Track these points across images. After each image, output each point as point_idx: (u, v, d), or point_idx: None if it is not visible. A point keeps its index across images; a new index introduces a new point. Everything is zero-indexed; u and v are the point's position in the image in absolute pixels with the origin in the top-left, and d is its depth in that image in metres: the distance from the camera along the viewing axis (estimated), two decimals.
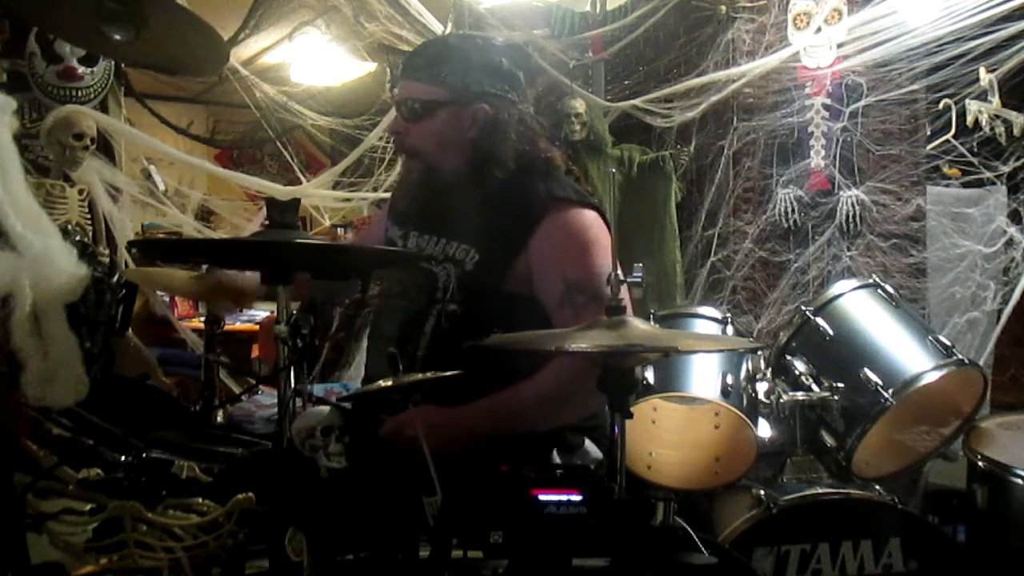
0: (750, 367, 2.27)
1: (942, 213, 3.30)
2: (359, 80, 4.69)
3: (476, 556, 1.23)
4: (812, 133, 3.49)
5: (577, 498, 1.25)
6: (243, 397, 2.18)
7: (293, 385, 1.36)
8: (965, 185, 3.30)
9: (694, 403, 2.23)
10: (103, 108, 3.42)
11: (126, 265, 2.99)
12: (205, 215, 4.51)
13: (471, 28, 3.68)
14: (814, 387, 2.22)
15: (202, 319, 2.64)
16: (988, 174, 3.21)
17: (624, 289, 1.42)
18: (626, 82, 4.08)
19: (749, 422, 2.15)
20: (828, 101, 3.45)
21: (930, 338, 2.22)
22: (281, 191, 3.81)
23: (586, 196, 1.88)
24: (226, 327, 2.46)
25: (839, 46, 3.37)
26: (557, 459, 1.79)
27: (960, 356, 2.17)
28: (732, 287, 3.70)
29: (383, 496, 1.30)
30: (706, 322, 2.42)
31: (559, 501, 1.24)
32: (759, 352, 2.32)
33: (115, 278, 1.50)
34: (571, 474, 1.61)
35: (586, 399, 1.68)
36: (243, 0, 3.63)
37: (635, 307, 1.61)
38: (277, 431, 1.36)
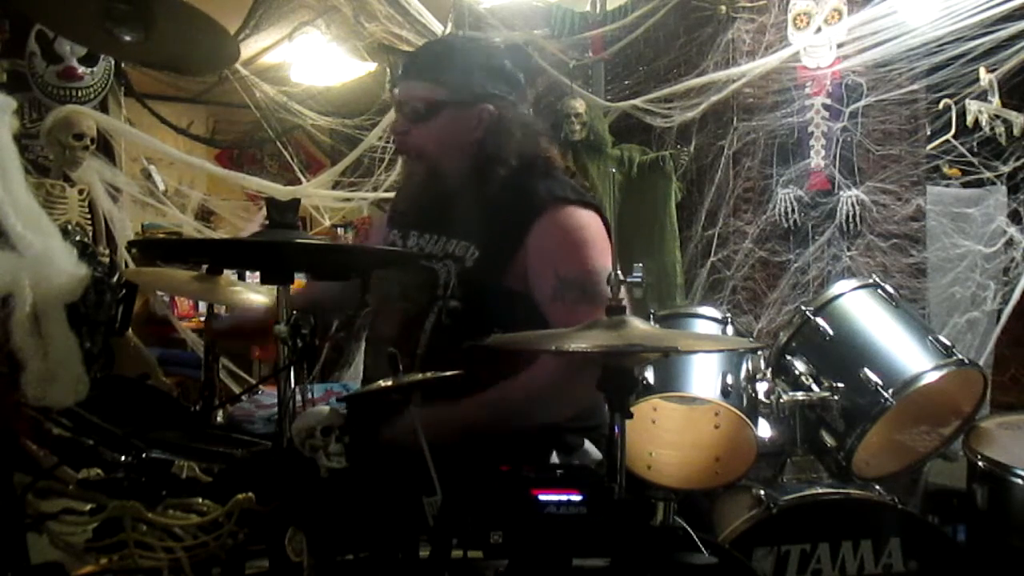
0: (750, 367, 2.27)
1: (942, 213, 3.30)
2: (359, 80, 4.69)
3: (476, 556, 1.23)
4: (812, 133, 3.49)
5: (577, 498, 1.25)
6: (243, 397, 2.18)
7: (293, 385, 1.36)
8: (965, 185, 3.30)
9: (694, 403, 2.23)
10: (103, 108, 3.42)
11: (126, 265, 2.99)
12: (205, 215, 4.51)
13: (471, 28, 3.68)
14: (814, 387, 2.22)
15: (202, 319, 2.64)
16: (988, 174, 3.21)
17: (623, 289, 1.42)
18: (626, 82, 4.08)
19: (749, 422, 2.15)
20: (828, 101, 3.45)
21: (930, 338, 2.22)
22: (281, 191, 3.81)
23: (585, 196, 1.88)
24: None
25: (839, 46, 3.37)
26: (556, 459, 1.79)
27: (960, 356, 2.17)
28: (732, 287, 3.70)
29: (383, 496, 1.30)
30: (706, 322, 2.42)
31: (559, 501, 1.24)
32: (759, 352, 2.32)
33: (115, 278, 1.50)
34: (571, 474, 1.61)
35: (581, 393, 1.67)
36: (243, 0, 3.63)
37: (635, 307, 1.62)
38: (277, 431, 1.36)
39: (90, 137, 3.12)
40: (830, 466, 2.26)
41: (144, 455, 1.34)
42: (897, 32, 3.17)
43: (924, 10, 3.08)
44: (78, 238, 1.39)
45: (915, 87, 3.30)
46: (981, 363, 2.62)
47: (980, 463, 2.22)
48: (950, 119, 3.23)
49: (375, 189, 3.96)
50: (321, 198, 4.06)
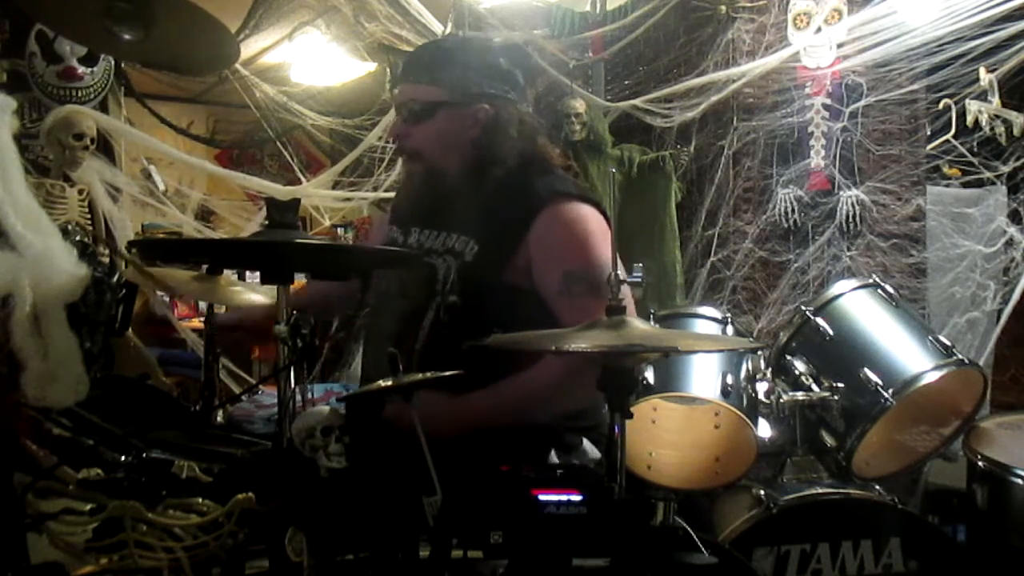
0: (750, 367, 2.27)
1: (942, 213, 3.30)
2: (359, 80, 4.69)
3: (476, 556, 1.23)
4: (812, 133, 3.49)
5: (577, 498, 1.25)
6: (243, 397, 2.18)
7: (293, 385, 1.36)
8: (965, 185, 3.30)
9: (694, 403, 2.23)
10: (103, 108, 3.42)
11: (126, 265, 2.99)
12: (205, 215, 4.51)
13: (471, 28, 3.68)
14: (814, 387, 2.22)
15: (202, 319, 2.64)
16: (988, 174, 3.21)
17: (627, 289, 1.42)
18: (626, 82, 4.08)
19: (749, 422, 2.15)
20: (828, 101, 3.45)
21: (930, 338, 2.22)
22: (281, 191, 3.81)
23: (585, 191, 1.90)
24: None
25: (839, 46, 3.37)
26: (555, 459, 1.80)
27: (960, 356, 2.17)
28: (732, 287, 3.70)
29: (383, 496, 1.30)
30: (706, 322, 2.42)
31: (559, 501, 1.24)
32: (759, 352, 2.32)
33: (115, 278, 1.49)
34: (571, 474, 1.61)
35: (588, 387, 1.67)
36: (243, 0, 3.63)
37: (635, 307, 1.62)
38: (277, 431, 1.36)
39: (90, 137, 3.12)
40: (830, 466, 2.26)
41: (144, 455, 1.34)
42: (897, 32, 3.16)
43: (924, 10, 3.08)
44: (78, 238, 1.39)
45: (915, 87, 3.30)
46: (981, 363, 2.62)
47: (980, 463, 2.22)
48: (950, 119, 3.23)
49: (375, 189, 3.96)
50: (321, 198, 4.06)
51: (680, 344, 1.38)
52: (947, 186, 3.33)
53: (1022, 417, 2.47)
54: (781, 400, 2.19)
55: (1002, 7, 2.90)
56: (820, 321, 2.29)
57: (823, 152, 3.46)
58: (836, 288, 2.38)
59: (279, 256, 1.43)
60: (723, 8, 3.72)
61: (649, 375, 2.17)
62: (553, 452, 1.81)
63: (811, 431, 2.26)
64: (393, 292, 1.88)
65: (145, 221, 4.53)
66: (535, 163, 1.87)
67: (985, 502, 2.22)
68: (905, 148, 3.37)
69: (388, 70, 3.95)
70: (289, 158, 4.51)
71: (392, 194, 3.39)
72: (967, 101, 3.17)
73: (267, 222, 1.45)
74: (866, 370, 2.14)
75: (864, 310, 2.33)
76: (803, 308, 2.36)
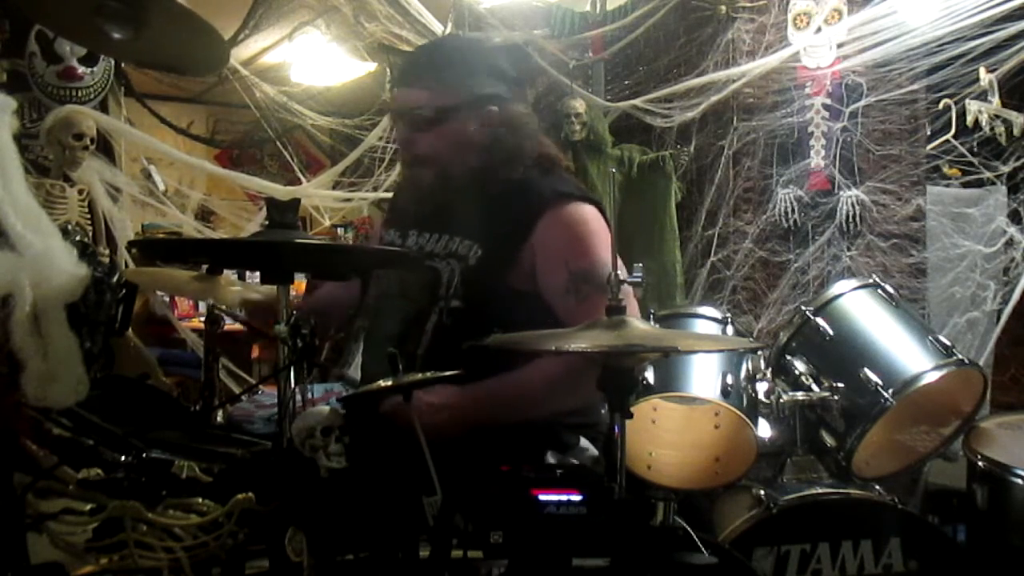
0: (750, 367, 2.27)
1: (942, 213, 3.30)
2: (359, 80, 4.69)
3: (476, 556, 1.23)
4: (812, 133, 3.49)
5: (577, 498, 1.25)
6: (243, 397, 2.18)
7: (293, 385, 1.36)
8: (965, 185, 3.30)
9: (694, 403, 2.23)
10: (103, 108, 3.42)
11: (126, 265, 2.99)
12: (205, 215, 4.51)
13: (471, 28, 3.68)
14: (814, 387, 2.22)
15: (202, 319, 2.64)
16: (988, 174, 3.21)
17: (628, 289, 1.42)
18: (626, 82, 4.08)
19: (749, 422, 2.15)
20: (828, 101, 3.45)
21: (930, 338, 2.22)
22: (281, 191, 3.81)
23: (586, 192, 1.90)
24: (226, 327, 2.45)
25: (839, 46, 3.37)
26: (552, 459, 1.79)
27: (960, 356, 2.17)
28: (732, 287, 3.70)
29: (383, 496, 1.30)
30: (706, 322, 2.42)
31: (559, 501, 1.25)
32: (759, 352, 2.32)
33: (115, 278, 1.49)
34: (571, 474, 1.61)
35: (588, 385, 1.67)
36: (243, 0, 3.63)
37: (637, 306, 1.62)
38: (277, 431, 1.36)
39: (90, 137, 3.12)
40: (830, 466, 2.26)
41: (144, 455, 1.34)
42: (897, 32, 3.16)
43: (924, 10, 3.08)
44: (78, 238, 1.39)
45: (915, 87, 3.29)
46: (981, 363, 2.62)
47: (980, 463, 2.22)
48: (950, 119, 3.23)
49: (375, 189, 3.96)
50: (321, 198, 4.06)
51: (680, 344, 1.38)
52: (947, 186, 3.33)
53: (1022, 417, 2.47)
54: (781, 400, 2.19)
55: (1002, 7, 2.90)
56: (820, 321, 2.29)
57: (823, 152, 3.46)
58: (836, 288, 2.38)
59: (279, 256, 1.43)
60: (723, 8, 3.72)
61: (649, 375, 2.17)
62: (550, 452, 1.80)
63: (811, 431, 2.26)
64: (395, 295, 1.88)
65: (145, 221, 4.53)
66: (538, 164, 1.87)
67: (985, 502, 2.22)
68: (905, 148, 3.37)
69: (388, 70, 3.94)
70: (289, 158, 4.50)
71: (389, 195, 3.39)
72: (967, 101, 3.17)
73: (267, 222, 1.45)
74: (866, 370, 2.14)
75: (864, 310, 2.33)
76: (803, 308, 2.36)
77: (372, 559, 1.26)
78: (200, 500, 1.27)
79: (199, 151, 4.91)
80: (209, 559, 1.27)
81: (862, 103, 3.39)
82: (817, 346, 2.30)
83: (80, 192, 3.16)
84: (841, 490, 2.14)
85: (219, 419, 2.02)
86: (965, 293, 3.20)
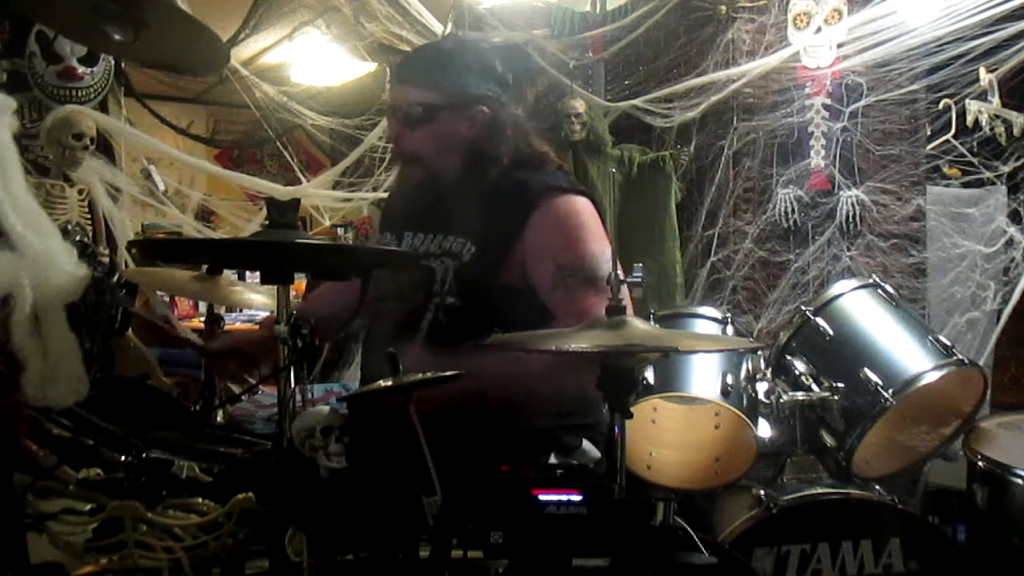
0: (750, 367, 2.27)
1: (942, 213, 3.30)
2: (359, 80, 4.69)
3: (476, 556, 1.23)
4: (812, 133, 3.49)
5: (577, 498, 1.25)
6: (243, 397, 2.18)
7: (293, 385, 1.36)
8: (965, 185, 3.30)
9: (694, 403, 2.23)
10: (103, 108, 3.42)
11: (126, 265, 2.99)
12: (205, 215, 4.51)
13: (471, 28, 3.68)
14: (814, 387, 2.22)
15: (202, 319, 2.64)
16: (988, 174, 3.21)
17: (624, 289, 1.42)
18: (626, 82, 4.08)
19: (749, 422, 2.15)
20: (828, 101, 3.45)
21: (930, 338, 2.22)
22: (281, 191, 3.81)
23: (578, 185, 1.90)
24: (226, 327, 2.46)
25: (839, 46, 3.37)
26: (555, 461, 1.79)
27: (960, 356, 2.17)
28: (732, 287, 3.70)
29: (383, 496, 1.30)
30: (706, 322, 2.42)
31: (559, 501, 1.25)
32: (759, 352, 2.32)
33: (115, 278, 1.49)
34: (571, 474, 1.61)
35: (581, 377, 1.65)
36: (243, 0, 3.63)
37: (635, 307, 1.61)
38: (277, 431, 1.36)
39: (90, 137, 3.12)
40: (830, 466, 2.26)
41: (144, 455, 1.34)
42: (897, 32, 3.16)
43: (924, 10, 3.08)
44: (78, 238, 1.39)
45: (915, 87, 3.30)
46: (981, 363, 2.62)
47: (980, 463, 2.22)
48: (950, 119, 3.23)
49: (375, 189, 3.96)
50: (321, 198, 4.06)
51: (680, 344, 1.38)
52: (947, 186, 3.34)
53: (1022, 417, 2.47)
54: (781, 400, 2.19)
55: (1002, 7, 2.90)
56: (820, 321, 2.29)
57: (823, 152, 3.46)
58: (836, 288, 2.38)
59: (279, 256, 1.42)
60: (723, 8, 3.72)
61: (649, 375, 2.17)
62: (552, 454, 1.80)
63: (811, 431, 2.26)
64: (391, 295, 1.88)
65: (145, 221, 4.53)
66: (529, 162, 1.88)
67: (985, 502, 2.22)
68: (905, 148, 3.37)
69: (388, 70, 3.95)
70: (289, 158, 4.50)
71: (385, 195, 3.39)
72: (967, 101, 3.17)
73: (267, 222, 1.45)
74: (866, 370, 2.14)
75: (864, 310, 2.33)
76: (803, 308, 2.36)
77: (372, 559, 1.26)
78: (200, 500, 1.27)
79: (199, 151, 4.91)
80: (209, 559, 1.26)
81: (862, 103, 3.39)
82: (817, 346, 2.30)
83: (80, 192, 3.16)
84: (841, 490, 2.15)
85: (219, 419, 2.02)
86: (965, 293, 3.20)
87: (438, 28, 3.62)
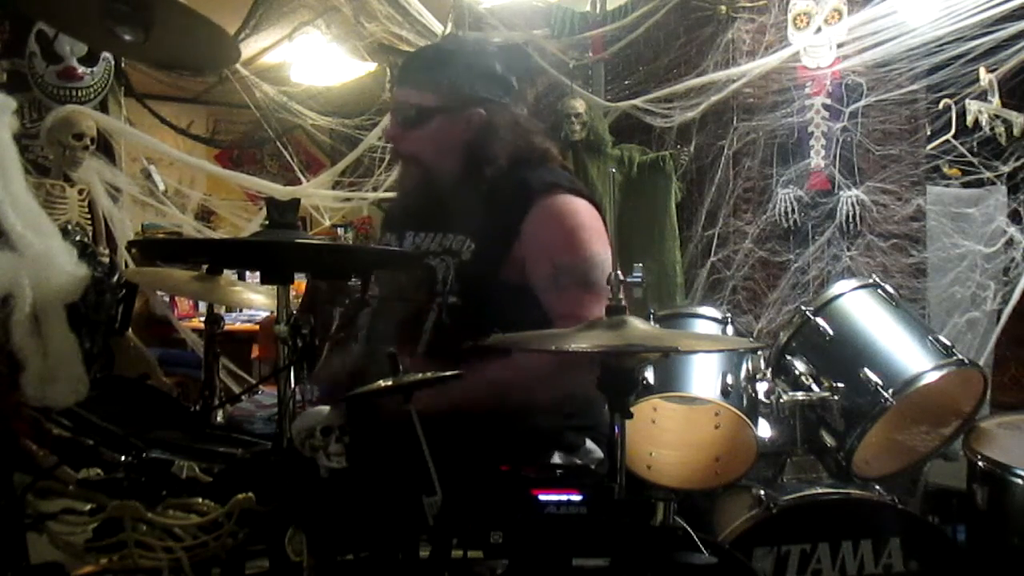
0: (750, 367, 2.27)
1: (942, 213, 3.30)
2: (359, 80, 4.69)
3: (476, 556, 1.23)
4: (812, 133, 3.49)
5: (577, 498, 1.25)
6: (243, 397, 2.18)
7: (293, 385, 1.36)
8: (965, 185, 3.30)
9: (694, 403, 2.23)
10: (103, 108, 3.42)
11: (126, 265, 2.99)
12: (205, 215, 4.52)
13: (471, 28, 3.68)
14: (814, 387, 2.22)
15: (202, 319, 2.64)
16: (988, 174, 3.21)
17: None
18: (626, 82, 4.08)
19: (749, 422, 2.15)
20: (828, 101, 3.44)
21: (930, 338, 2.22)
22: (281, 191, 3.81)
23: (578, 185, 1.90)
24: (226, 327, 2.46)
25: (839, 46, 3.37)
26: (558, 459, 1.79)
27: (960, 356, 2.17)
28: (732, 287, 3.70)
29: (383, 496, 1.30)
30: (706, 322, 2.42)
31: (559, 501, 1.25)
32: (759, 352, 2.32)
33: (115, 278, 1.49)
34: (571, 474, 1.61)
35: (578, 376, 1.65)
36: (243, 0, 3.63)
37: (635, 307, 1.61)
38: (277, 431, 1.36)
39: (90, 137, 3.12)
40: (830, 466, 2.26)
41: (144, 455, 1.34)
42: (897, 32, 3.16)
43: (924, 10, 3.08)
44: (78, 238, 1.39)
45: (915, 87, 3.30)
46: (981, 363, 2.62)
47: (980, 463, 2.22)
48: (950, 119, 3.23)
49: (375, 189, 3.96)
50: (321, 198, 4.06)
51: (680, 344, 1.38)
52: (947, 186, 3.34)
53: (1022, 417, 2.47)
54: (781, 400, 2.19)
55: (1002, 7, 2.90)
56: (820, 321, 2.29)
57: (823, 152, 3.46)
58: (836, 288, 2.38)
59: (279, 256, 1.43)
60: (723, 8, 3.72)
61: (649, 375, 2.17)
62: (556, 453, 1.80)
63: (811, 431, 2.26)
64: (393, 295, 1.88)
65: (145, 221, 4.53)
66: (530, 160, 1.88)
67: (985, 502, 2.22)
68: (905, 148, 3.37)
69: (388, 70, 3.95)
70: (289, 158, 4.51)
71: (392, 194, 3.39)
72: (967, 101, 3.17)
73: (267, 222, 1.45)
74: (866, 370, 2.14)
75: (864, 310, 2.33)
76: (803, 308, 2.36)
77: (372, 559, 1.26)
78: (200, 500, 1.27)
79: (199, 151, 4.91)
80: (209, 559, 1.26)
81: (862, 103, 3.39)
82: (817, 346, 2.30)
83: (80, 192, 3.16)
84: (841, 490, 2.14)
85: (219, 419, 2.02)
86: (965, 293, 3.20)
87: (438, 28, 3.62)
